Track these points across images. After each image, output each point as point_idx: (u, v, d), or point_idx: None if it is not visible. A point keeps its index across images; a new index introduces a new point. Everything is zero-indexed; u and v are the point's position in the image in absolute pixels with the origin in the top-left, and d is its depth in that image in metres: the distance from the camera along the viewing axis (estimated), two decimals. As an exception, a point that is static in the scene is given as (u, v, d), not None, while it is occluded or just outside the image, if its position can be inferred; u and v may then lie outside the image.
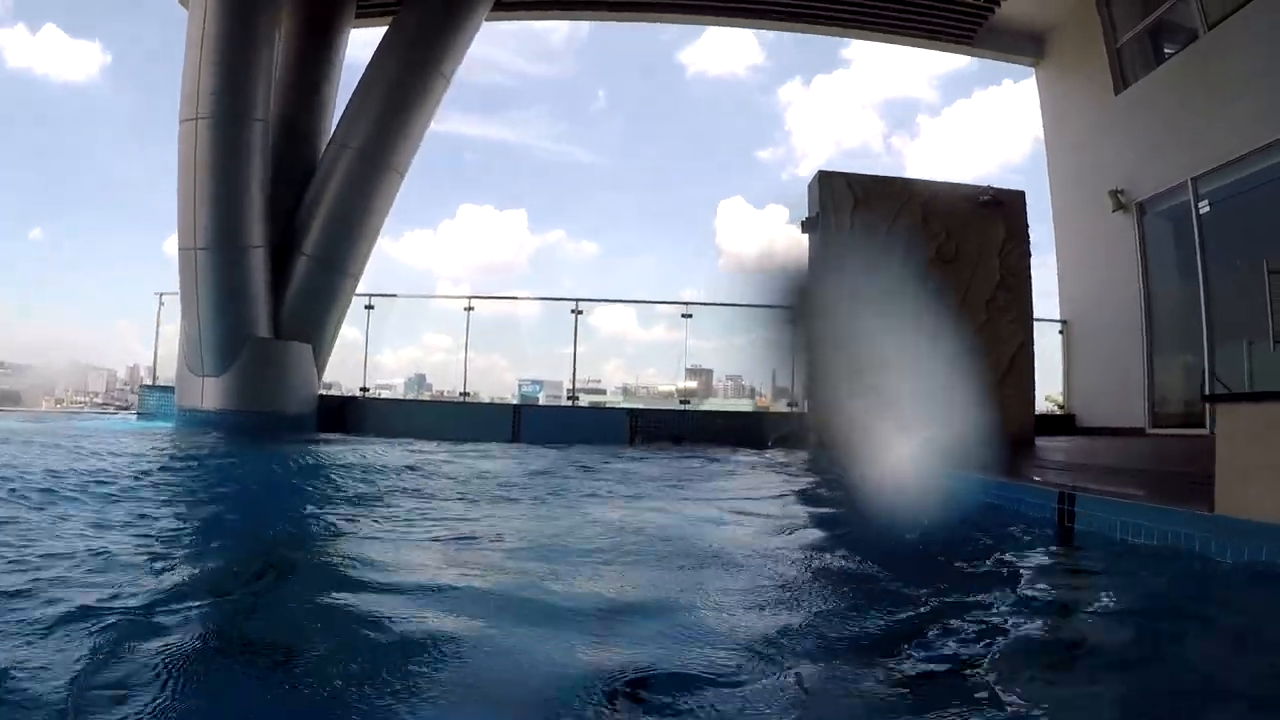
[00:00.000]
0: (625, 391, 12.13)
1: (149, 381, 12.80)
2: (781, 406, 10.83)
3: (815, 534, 4.15)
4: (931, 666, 2.05)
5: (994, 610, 2.56)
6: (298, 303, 9.91)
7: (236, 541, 3.68)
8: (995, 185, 8.26)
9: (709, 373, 12.36)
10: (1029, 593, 2.83)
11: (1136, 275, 10.53)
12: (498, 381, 11.75)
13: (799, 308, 7.38)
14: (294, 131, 10.51)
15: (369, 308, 10.94)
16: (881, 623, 2.41)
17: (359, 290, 10.61)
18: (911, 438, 5.24)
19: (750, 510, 4.83)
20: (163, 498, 4.72)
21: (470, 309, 10.85)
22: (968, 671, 2.03)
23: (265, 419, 9.56)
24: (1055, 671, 2.13)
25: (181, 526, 4.00)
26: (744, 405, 11.83)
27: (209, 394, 9.57)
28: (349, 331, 11.34)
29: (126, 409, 16.23)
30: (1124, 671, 2.11)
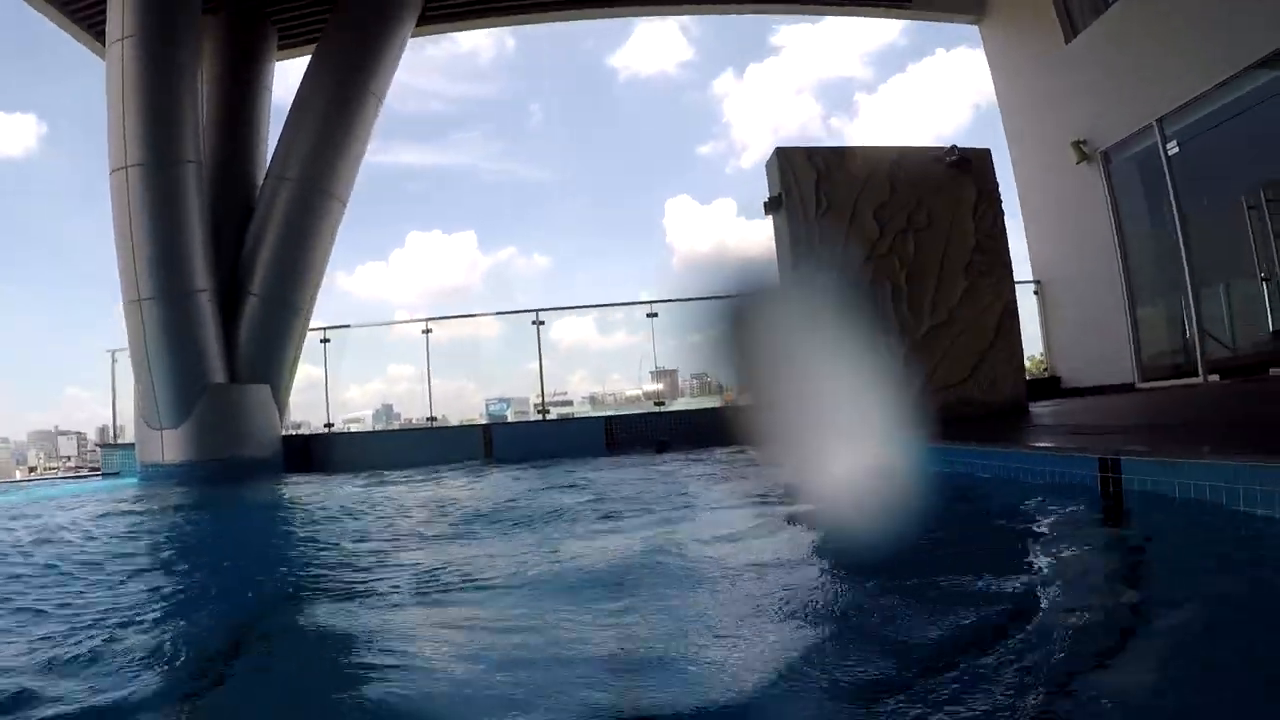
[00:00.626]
0: (593, 401, 11.75)
1: (111, 440, 12.15)
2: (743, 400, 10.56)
3: (837, 541, 3.66)
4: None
5: (1069, 600, 2.12)
6: (251, 344, 9.35)
7: (186, 618, 3.14)
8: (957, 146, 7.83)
9: (673, 373, 12.00)
10: (1100, 579, 2.40)
11: (1109, 226, 10.18)
12: (466, 405, 11.37)
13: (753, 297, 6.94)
14: (230, 171, 9.98)
15: (324, 341, 10.39)
16: (951, 634, 1.97)
17: (313, 325, 10.06)
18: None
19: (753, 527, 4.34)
20: (101, 571, 4.16)
21: (428, 331, 10.31)
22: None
23: (229, 466, 9.00)
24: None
25: (119, 604, 3.45)
26: (711, 402, 11.42)
27: (169, 446, 8.98)
28: (312, 370, 10.90)
29: (97, 470, 15.59)
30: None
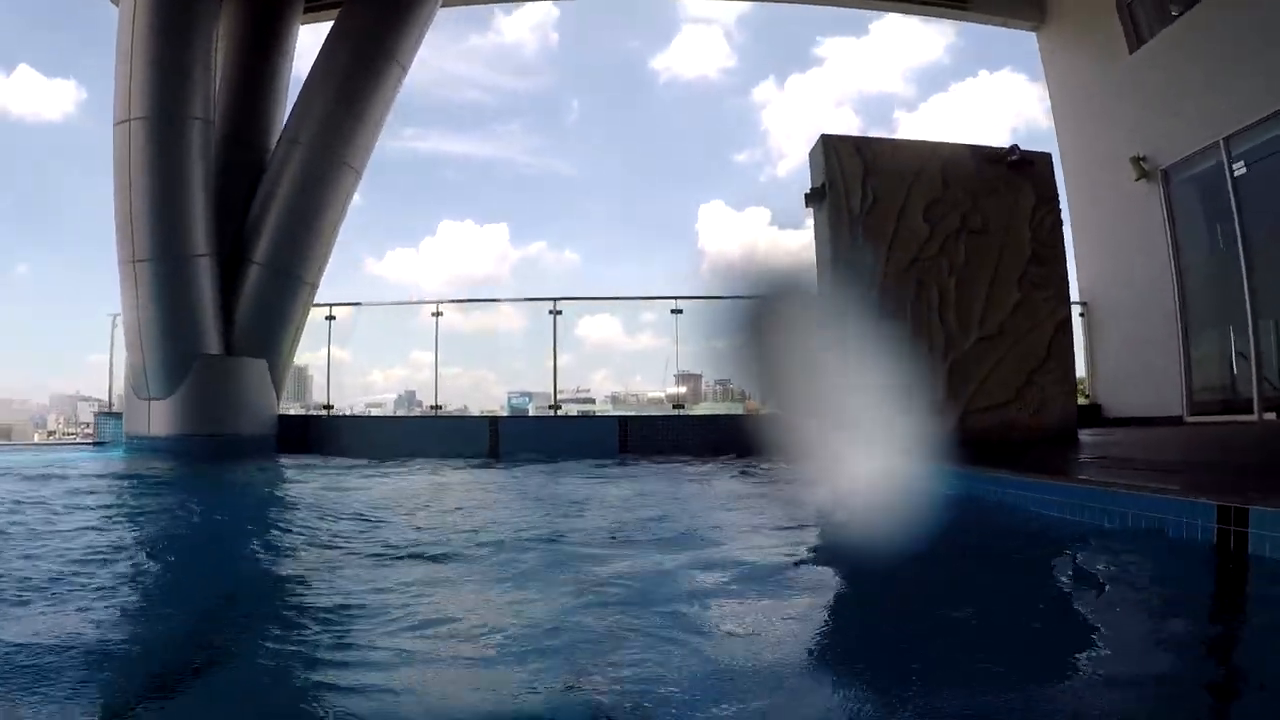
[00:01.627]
0: (614, 400, 11.23)
1: (108, 409, 11.57)
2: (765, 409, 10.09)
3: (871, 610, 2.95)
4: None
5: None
6: (250, 315, 8.72)
7: (148, 628, 2.46)
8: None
9: (697, 377, 11.47)
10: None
11: (1165, 248, 9.40)
12: (486, 396, 10.82)
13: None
14: (242, 135, 9.37)
15: (330, 318, 9.73)
16: None
17: (320, 300, 9.40)
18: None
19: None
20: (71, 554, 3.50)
21: (438, 314, 9.64)
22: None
23: (219, 443, 8.37)
24: None
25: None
26: (735, 409, 10.85)
27: (156, 418, 8.37)
28: (336, 351, 10.40)
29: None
30: None
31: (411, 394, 11.95)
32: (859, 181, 6.54)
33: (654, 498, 5.36)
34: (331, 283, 10.09)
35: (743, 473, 6.89)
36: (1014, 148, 7.00)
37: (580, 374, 10.77)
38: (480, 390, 10.86)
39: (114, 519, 4.56)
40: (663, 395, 10.90)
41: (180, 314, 8.34)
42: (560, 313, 9.45)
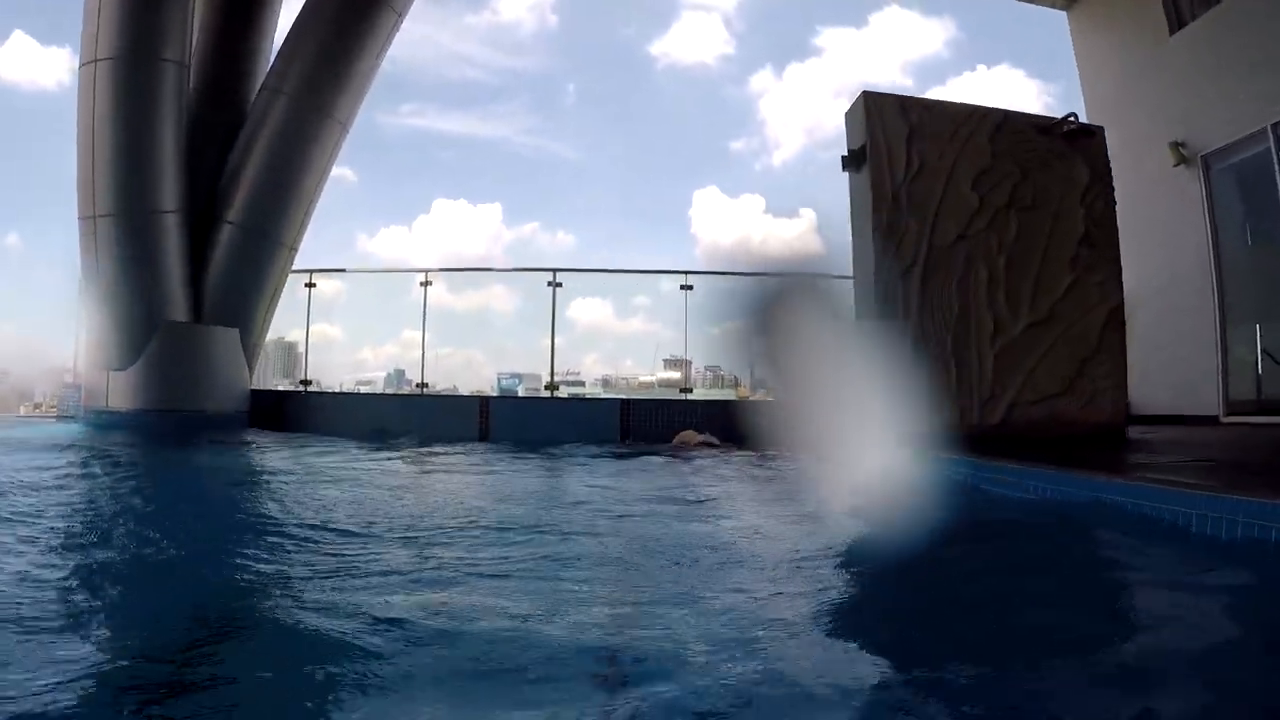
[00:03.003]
0: (605, 383, 10.53)
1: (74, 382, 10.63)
2: (760, 396, 9.53)
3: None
4: None
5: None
6: (221, 280, 7.85)
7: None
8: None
9: (688, 363, 10.80)
10: None
11: (1204, 239, 8.66)
12: (477, 376, 10.10)
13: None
14: (221, 86, 8.47)
15: (310, 285, 8.81)
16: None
17: (298, 266, 8.51)
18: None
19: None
20: None
21: (427, 284, 8.75)
22: None
23: (184, 419, 7.49)
24: None
25: None
26: (727, 395, 10.22)
27: (116, 391, 7.49)
28: (328, 329, 9.62)
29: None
30: None
31: (401, 372, 11.24)
32: (903, 144, 5.73)
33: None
34: (322, 258, 9.33)
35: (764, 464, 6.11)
36: (1071, 116, 6.22)
37: (572, 356, 10.07)
38: (471, 370, 10.17)
39: (34, 506, 3.70)
40: (653, 380, 10.30)
41: (143, 276, 7.45)
42: (560, 285, 8.59)
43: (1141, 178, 9.38)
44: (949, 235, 5.69)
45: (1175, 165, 8.84)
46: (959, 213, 5.75)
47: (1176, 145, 8.84)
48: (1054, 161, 6.17)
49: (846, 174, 5.89)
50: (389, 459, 6.12)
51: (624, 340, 11.17)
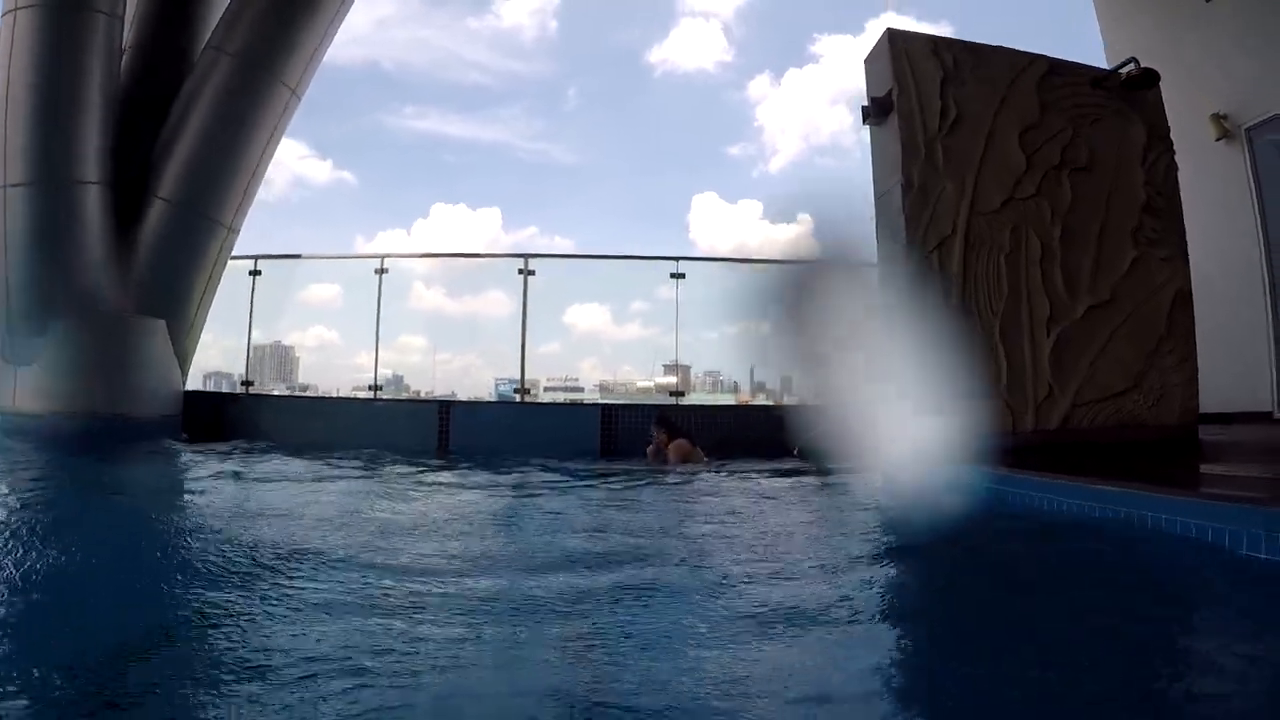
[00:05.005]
0: (603, 389, 9.56)
1: None
2: (760, 401, 8.89)
3: None
4: None
5: None
6: (150, 263, 6.63)
7: None
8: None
9: (686, 368, 9.84)
10: None
11: (1252, 218, 7.47)
12: (476, 382, 9.16)
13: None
14: (162, 47, 7.23)
15: (255, 273, 7.56)
16: None
17: (244, 253, 7.29)
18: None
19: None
20: None
21: (384, 271, 7.51)
22: None
23: (105, 425, 6.25)
24: None
25: None
26: (725, 399, 9.22)
27: (23, 390, 6.24)
28: (326, 332, 8.54)
29: None
30: None
31: (399, 378, 10.20)
32: (936, 90, 4.53)
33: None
34: (320, 261, 8.17)
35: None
36: (1131, 61, 5.04)
37: (569, 363, 9.21)
38: (471, 375, 9.21)
39: None
40: (652, 385, 9.34)
41: (58, 256, 6.23)
42: (533, 273, 7.34)
43: (1180, 154, 8.20)
44: (993, 200, 4.50)
45: (1217, 139, 7.65)
46: (1004, 173, 4.56)
47: (1218, 118, 7.65)
48: (1108, 117, 4.99)
49: (867, 128, 4.69)
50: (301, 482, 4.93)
51: (622, 346, 10.32)
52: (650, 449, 6.16)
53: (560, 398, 8.71)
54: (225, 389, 7.96)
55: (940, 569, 2.65)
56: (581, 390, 9.42)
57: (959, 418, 4.10)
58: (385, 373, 8.78)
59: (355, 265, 7.68)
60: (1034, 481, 3.32)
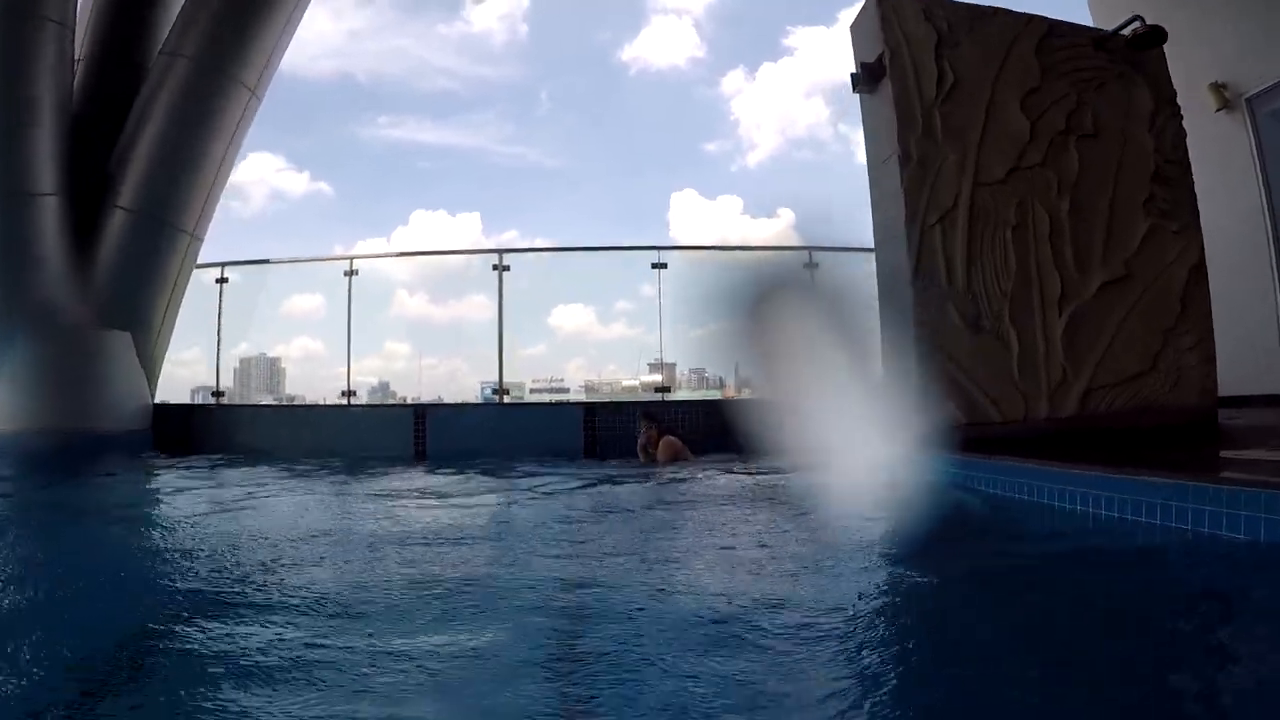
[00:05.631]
0: (588, 389, 9.25)
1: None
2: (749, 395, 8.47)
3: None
4: None
5: None
6: (112, 275, 6.22)
7: None
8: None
9: (672, 366, 9.59)
10: None
11: (1255, 191, 7.06)
12: (462, 386, 8.87)
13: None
14: (116, 57, 6.81)
15: (221, 280, 7.14)
16: None
17: (211, 260, 6.87)
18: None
19: None
20: None
21: (353, 273, 7.07)
22: None
23: (73, 442, 5.83)
24: None
25: None
26: (712, 395, 8.96)
27: (-17, 409, 5.81)
28: (311, 343, 8.29)
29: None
30: None
31: (385, 385, 9.83)
32: (931, 54, 4.13)
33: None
34: (301, 271, 7.79)
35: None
36: (1135, 19, 4.64)
37: (555, 364, 8.93)
38: (456, 381, 8.94)
39: None
40: (638, 384, 9.02)
41: (15, 269, 5.82)
42: (508, 268, 6.92)
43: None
44: (996, 171, 4.10)
45: (1217, 110, 7.25)
46: (1007, 142, 4.16)
47: (1217, 87, 7.25)
48: (1111, 81, 4.59)
49: (858, 96, 4.28)
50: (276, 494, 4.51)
51: (607, 346, 10.09)
52: (640, 443, 5.78)
53: (547, 399, 8.40)
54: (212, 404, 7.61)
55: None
56: (567, 391, 9.18)
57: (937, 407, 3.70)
58: (370, 380, 8.46)
59: (336, 276, 7.29)
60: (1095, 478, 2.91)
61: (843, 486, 3.28)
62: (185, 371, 7.68)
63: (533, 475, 4.87)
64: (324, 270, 7.49)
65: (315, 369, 8.64)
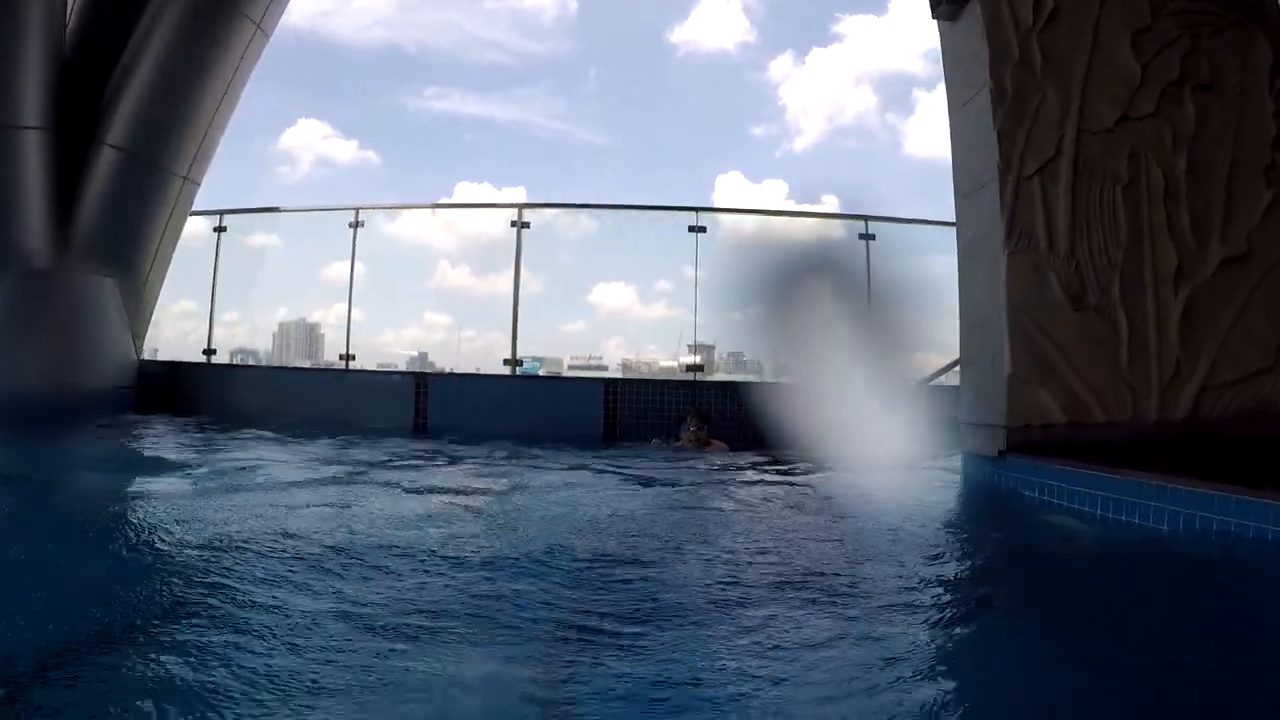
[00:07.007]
0: (625, 367, 8.70)
1: None
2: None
3: None
4: None
5: None
6: (97, 217, 5.50)
7: None
8: None
9: (710, 348, 8.98)
10: None
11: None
12: (500, 360, 8.34)
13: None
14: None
15: (220, 229, 6.39)
16: None
17: (208, 207, 6.12)
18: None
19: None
20: None
21: (359, 224, 6.29)
22: None
23: (48, 399, 5.13)
24: None
25: None
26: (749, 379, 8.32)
27: (-51, 361, 5.11)
28: (341, 307, 7.91)
29: None
30: None
31: (424, 355, 9.29)
32: (1026, -20, 3.27)
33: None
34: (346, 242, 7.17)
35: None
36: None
37: (595, 341, 8.47)
38: (495, 353, 8.45)
39: None
40: (676, 364, 8.48)
41: (-9, 207, 5.10)
42: (527, 225, 6.15)
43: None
44: (1105, 117, 3.25)
45: None
46: (1116, 85, 3.31)
47: None
48: (1228, 29, 3.70)
49: (936, 25, 3.43)
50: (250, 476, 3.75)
51: (647, 326, 9.67)
52: (684, 439, 4.98)
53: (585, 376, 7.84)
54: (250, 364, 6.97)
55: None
56: (605, 369, 8.65)
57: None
58: (410, 351, 7.96)
59: (383, 245, 6.69)
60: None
61: (914, 513, 2.49)
62: (224, 332, 7.17)
63: (535, 468, 4.07)
64: (367, 239, 6.82)
65: (355, 336, 8.21)
